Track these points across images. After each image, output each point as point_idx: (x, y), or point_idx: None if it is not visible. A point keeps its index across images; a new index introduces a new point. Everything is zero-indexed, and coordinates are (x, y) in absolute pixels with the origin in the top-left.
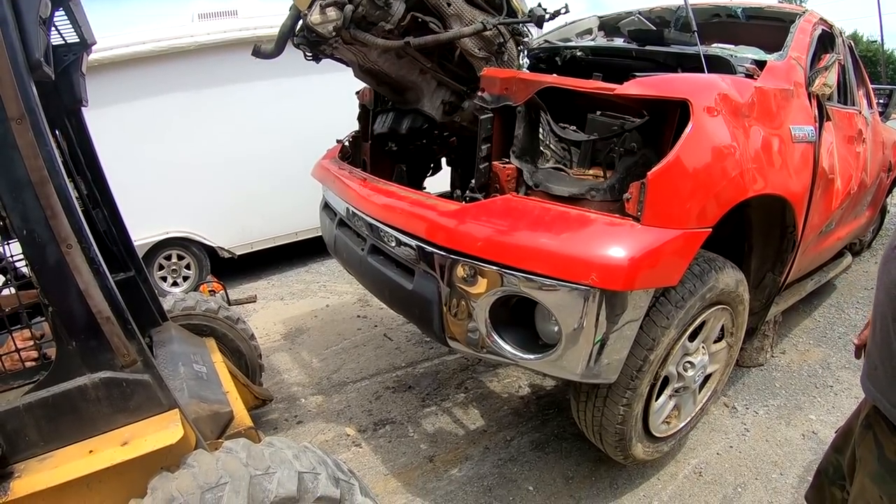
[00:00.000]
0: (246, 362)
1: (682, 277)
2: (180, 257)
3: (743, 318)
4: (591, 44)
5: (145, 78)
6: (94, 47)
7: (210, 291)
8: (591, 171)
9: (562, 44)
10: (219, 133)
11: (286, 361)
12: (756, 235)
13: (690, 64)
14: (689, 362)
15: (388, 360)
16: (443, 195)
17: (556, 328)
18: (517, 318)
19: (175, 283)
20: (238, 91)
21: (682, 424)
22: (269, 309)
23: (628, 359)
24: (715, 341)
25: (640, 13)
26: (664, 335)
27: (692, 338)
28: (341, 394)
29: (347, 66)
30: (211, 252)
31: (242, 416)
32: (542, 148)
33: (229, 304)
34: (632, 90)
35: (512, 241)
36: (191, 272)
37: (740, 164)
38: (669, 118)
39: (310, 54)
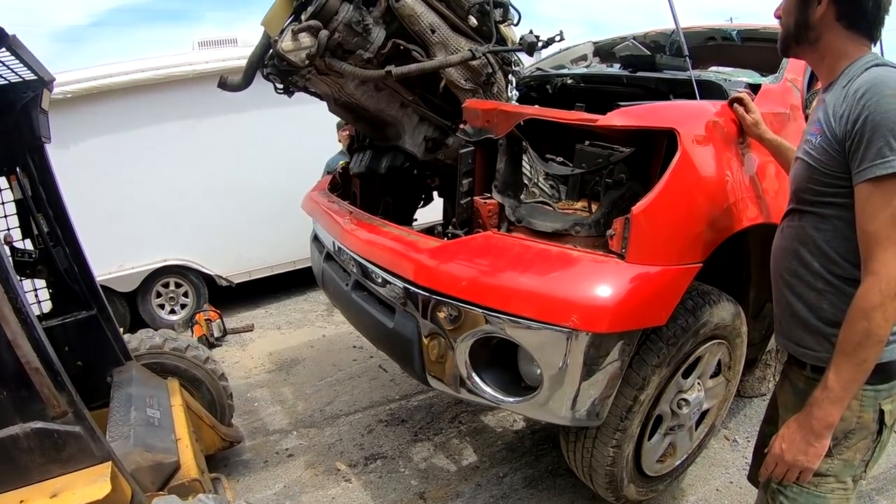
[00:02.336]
0: (214, 402)
1: (674, 314)
2: (178, 285)
3: (741, 352)
4: (582, 71)
5: (146, 106)
6: (94, 74)
7: (206, 320)
8: (578, 205)
9: (553, 71)
10: (217, 161)
11: (280, 393)
12: (754, 263)
13: (683, 90)
14: (683, 400)
15: (382, 393)
16: (430, 228)
17: (538, 370)
18: (499, 358)
19: (172, 311)
20: (237, 119)
21: (679, 462)
22: (265, 338)
23: (617, 399)
24: (712, 376)
25: (634, 38)
26: (655, 374)
27: (686, 374)
28: (333, 427)
29: (322, 99)
30: (209, 280)
31: (189, 467)
32: (525, 182)
33: (226, 332)
34: (615, 121)
35: (490, 280)
36: (188, 300)
37: (732, 194)
38: (657, 148)
39: (280, 87)
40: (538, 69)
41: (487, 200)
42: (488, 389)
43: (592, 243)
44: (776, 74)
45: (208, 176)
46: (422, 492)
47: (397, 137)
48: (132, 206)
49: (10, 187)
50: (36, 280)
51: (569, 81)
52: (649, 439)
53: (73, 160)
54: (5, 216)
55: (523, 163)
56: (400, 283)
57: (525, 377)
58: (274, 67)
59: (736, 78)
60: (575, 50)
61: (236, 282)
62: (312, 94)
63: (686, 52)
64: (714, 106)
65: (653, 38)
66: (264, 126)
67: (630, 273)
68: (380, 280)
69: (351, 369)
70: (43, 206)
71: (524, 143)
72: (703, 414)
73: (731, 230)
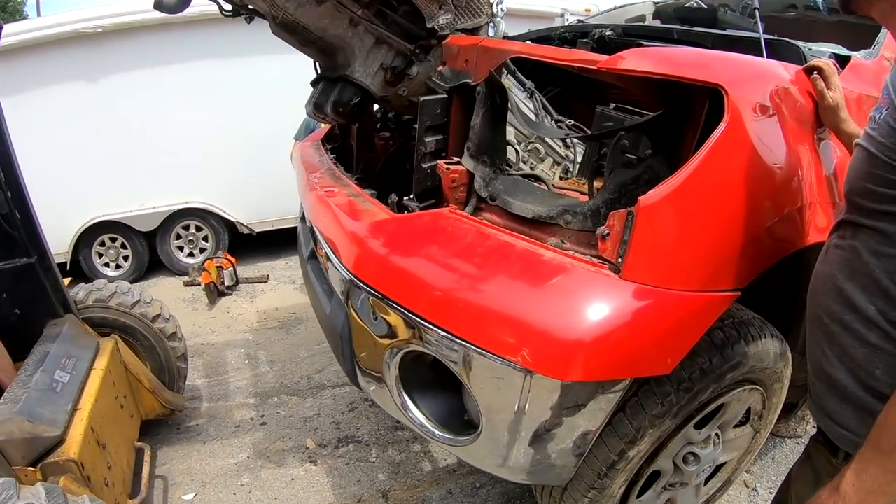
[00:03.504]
0: (161, 364)
1: (692, 349)
2: (199, 228)
3: (779, 398)
4: (623, 23)
5: (176, 44)
6: (126, 9)
7: (217, 267)
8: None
9: (592, 22)
10: (247, 105)
11: (274, 353)
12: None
13: (748, 52)
14: (692, 454)
15: None
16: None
17: (477, 408)
18: (445, 379)
19: (191, 254)
20: (270, 61)
21: None
22: (276, 291)
23: (596, 450)
24: (736, 425)
25: None
26: (654, 427)
27: (701, 425)
28: (316, 398)
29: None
30: (230, 226)
31: (72, 444)
32: (516, 145)
33: (238, 282)
34: (627, 64)
35: (419, 277)
36: (208, 244)
37: (800, 194)
38: (693, 115)
39: (228, 10)
40: (579, 21)
41: (452, 166)
42: (418, 415)
43: (587, 241)
44: (870, 50)
45: (237, 119)
46: (386, 489)
47: (347, 65)
48: (157, 145)
49: None
50: None
51: (608, 33)
52: (639, 496)
53: (99, 95)
54: None
55: (511, 119)
56: (333, 261)
57: (469, 411)
58: None
59: (818, 48)
60: (631, 9)
61: (258, 230)
62: (259, 15)
63: (756, 5)
64: (786, 69)
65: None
66: (296, 71)
67: (624, 296)
68: (323, 252)
69: None
70: None
71: (531, 88)
72: (719, 466)
73: (793, 245)
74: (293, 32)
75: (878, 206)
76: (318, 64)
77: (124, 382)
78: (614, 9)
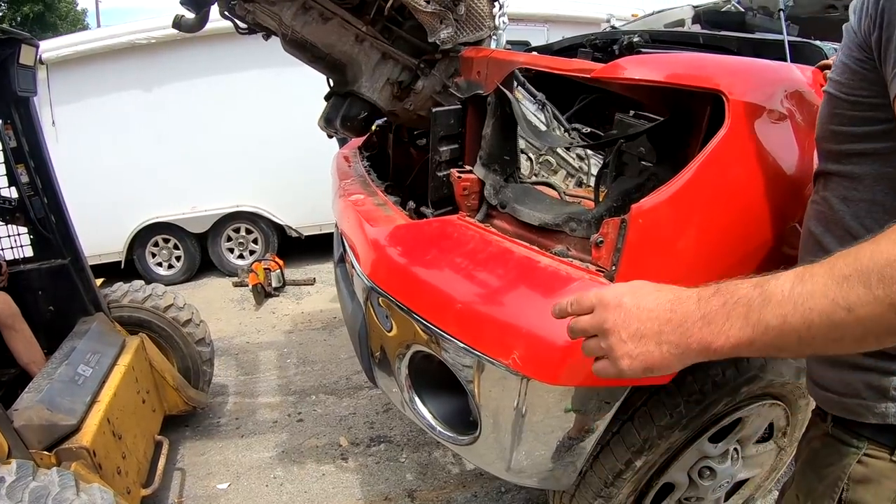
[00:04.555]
0: (182, 351)
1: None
2: (249, 231)
3: (805, 415)
4: (657, 28)
5: (229, 53)
6: (169, 22)
7: (265, 269)
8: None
9: (623, 29)
10: (297, 112)
11: (315, 353)
12: None
13: (772, 54)
14: (708, 468)
15: None
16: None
17: (476, 408)
18: (454, 379)
19: (241, 256)
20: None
21: None
22: (322, 294)
23: (603, 458)
24: (758, 441)
25: (738, 1)
26: (663, 438)
27: (717, 438)
28: (353, 398)
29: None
30: (280, 230)
31: (87, 433)
32: (531, 154)
33: (285, 284)
34: (616, 73)
35: (422, 279)
36: (258, 247)
37: None
38: (697, 121)
39: (243, 27)
40: (612, 28)
41: (464, 175)
42: (425, 413)
43: (589, 248)
44: None
45: (287, 126)
46: (413, 489)
47: (355, 81)
48: (209, 151)
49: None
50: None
51: (636, 39)
52: None
53: (153, 103)
54: None
55: (519, 130)
56: (353, 263)
57: (473, 412)
58: None
59: None
60: (670, 13)
61: (306, 234)
62: (268, 31)
63: (781, 6)
64: (802, 71)
65: (761, 2)
66: None
67: None
68: (347, 255)
69: None
70: (24, 157)
71: (542, 100)
72: (741, 482)
73: None
74: (303, 49)
75: (842, 146)
76: (330, 80)
77: (148, 378)
78: (652, 14)
